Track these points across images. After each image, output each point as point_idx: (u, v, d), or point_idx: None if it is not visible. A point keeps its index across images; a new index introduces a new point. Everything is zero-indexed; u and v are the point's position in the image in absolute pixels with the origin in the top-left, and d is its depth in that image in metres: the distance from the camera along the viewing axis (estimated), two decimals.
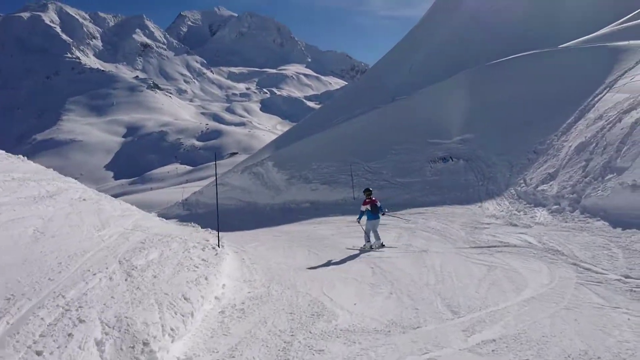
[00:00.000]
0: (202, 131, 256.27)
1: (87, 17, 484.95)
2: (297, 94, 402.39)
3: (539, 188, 14.73)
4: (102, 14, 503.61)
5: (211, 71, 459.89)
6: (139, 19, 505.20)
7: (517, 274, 7.97)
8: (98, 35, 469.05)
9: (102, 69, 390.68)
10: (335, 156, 26.82)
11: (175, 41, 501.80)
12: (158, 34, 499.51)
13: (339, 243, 13.02)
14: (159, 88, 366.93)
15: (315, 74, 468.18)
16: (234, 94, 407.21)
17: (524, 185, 15.95)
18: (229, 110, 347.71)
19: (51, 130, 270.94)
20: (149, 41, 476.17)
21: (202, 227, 14.93)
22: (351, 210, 19.87)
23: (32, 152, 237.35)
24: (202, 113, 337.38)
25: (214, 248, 8.38)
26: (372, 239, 11.89)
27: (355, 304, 6.98)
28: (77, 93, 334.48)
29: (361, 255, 11.01)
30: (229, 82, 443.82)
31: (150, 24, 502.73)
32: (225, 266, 7.92)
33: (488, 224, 12.98)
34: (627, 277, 7.10)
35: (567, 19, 33.47)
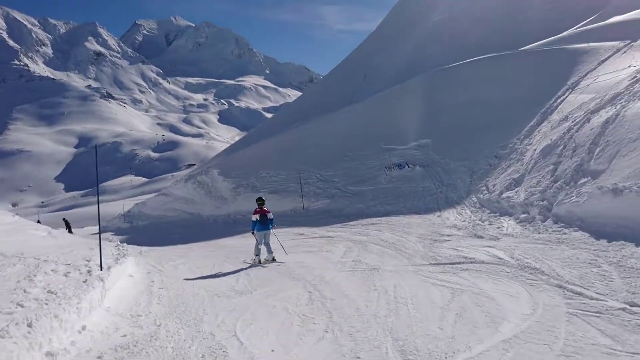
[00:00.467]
0: (158, 142, 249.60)
1: (37, 23, 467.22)
2: (255, 105, 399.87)
3: (504, 195, 13.22)
4: (52, 20, 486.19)
5: (167, 81, 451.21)
6: (91, 27, 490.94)
7: (489, 300, 6.19)
8: (48, 42, 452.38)
9: (53, 77, 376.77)
10: (285, 164, 24.92)
11: (130, 50, 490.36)
12: (112, 42, 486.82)
13: (277, 259, 11.02)
14: (112, 98, 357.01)
15: (273, 86, 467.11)
16: (191, 105, 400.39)
17: (486, 192, 14.44)
18: (186, 121, 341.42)
19: None
20: (102, 49, 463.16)
21: (137, 242, 12.88)
22: (300, 222, 18.02)
23: None
24: (158, 124, 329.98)
25: (89, 272, 6.20)
26: (265, 253, 10.73)
27: (273, 351, 4.98)
28: (26, 101, 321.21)
29: (300, 273, 9.05)
30: (186, 93, 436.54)
31: (103, 32, 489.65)
32: (98, 296, 5.78)
33: (449, 235, 11.28)
34: (632, 304, 5.40)
35: (526, 24, 32.92)
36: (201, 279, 9.29)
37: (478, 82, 23.91)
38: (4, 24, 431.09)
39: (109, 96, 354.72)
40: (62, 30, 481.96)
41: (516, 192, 12.92)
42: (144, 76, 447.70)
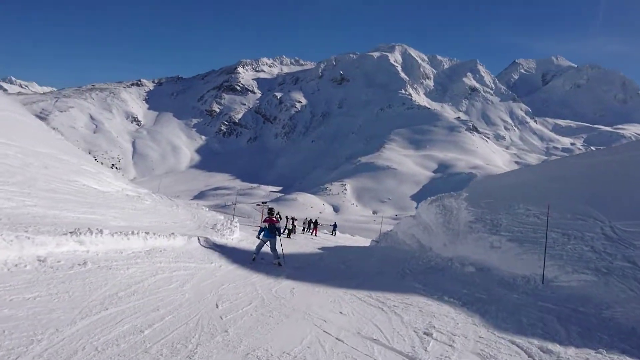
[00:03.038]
0: None
1: (426, 59, 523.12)
2: None
3: None
4: (439, 57, 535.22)
5: (535, 121, 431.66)
6: (472, 64, 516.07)
7: None
8: (432, 76, 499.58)
9: (429, 107, 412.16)
10: (560, 201, 14.53)
11: (504, 87, 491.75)
12: (488, 79, 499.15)
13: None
14: (477, 131, 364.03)
15: None
16: (555, 148, 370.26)
17: None
18: None
19: (373, 156, 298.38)
20: (477, 85, 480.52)
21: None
22: (509, 307, 8.76)
23: (355, 171, 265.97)
24: (516, 162, 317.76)
25: None
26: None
27: None
28: (402, 126, 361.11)
29: None
30: (552, 135, 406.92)
31: (481, 69, 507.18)
32: None
33: None
34: None
35: None
36: None
37: None
38: (401, 59, 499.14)
39: (474, 129, 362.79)
40: (446, 66, 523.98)
41: None
42: (512, 114, 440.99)
